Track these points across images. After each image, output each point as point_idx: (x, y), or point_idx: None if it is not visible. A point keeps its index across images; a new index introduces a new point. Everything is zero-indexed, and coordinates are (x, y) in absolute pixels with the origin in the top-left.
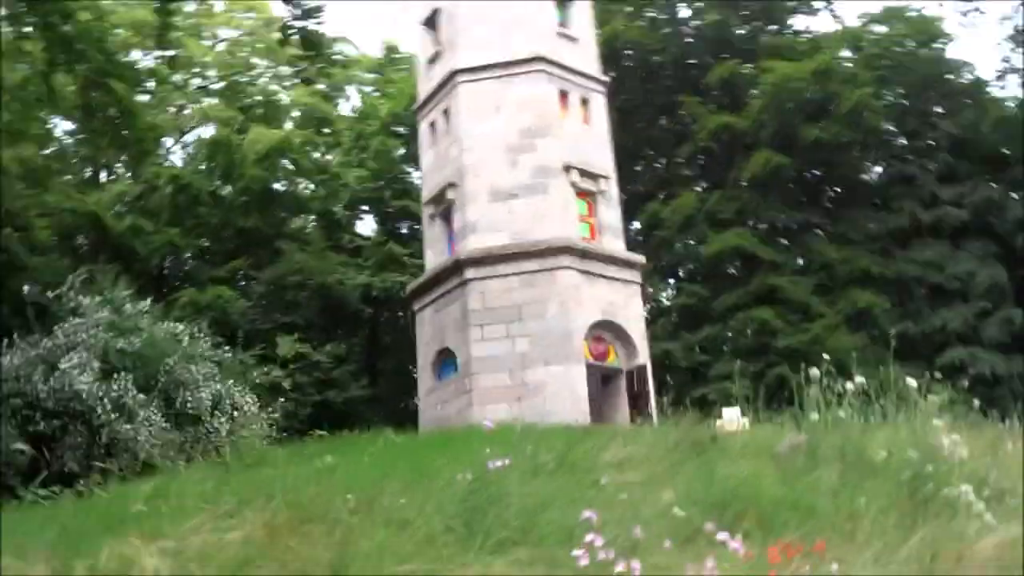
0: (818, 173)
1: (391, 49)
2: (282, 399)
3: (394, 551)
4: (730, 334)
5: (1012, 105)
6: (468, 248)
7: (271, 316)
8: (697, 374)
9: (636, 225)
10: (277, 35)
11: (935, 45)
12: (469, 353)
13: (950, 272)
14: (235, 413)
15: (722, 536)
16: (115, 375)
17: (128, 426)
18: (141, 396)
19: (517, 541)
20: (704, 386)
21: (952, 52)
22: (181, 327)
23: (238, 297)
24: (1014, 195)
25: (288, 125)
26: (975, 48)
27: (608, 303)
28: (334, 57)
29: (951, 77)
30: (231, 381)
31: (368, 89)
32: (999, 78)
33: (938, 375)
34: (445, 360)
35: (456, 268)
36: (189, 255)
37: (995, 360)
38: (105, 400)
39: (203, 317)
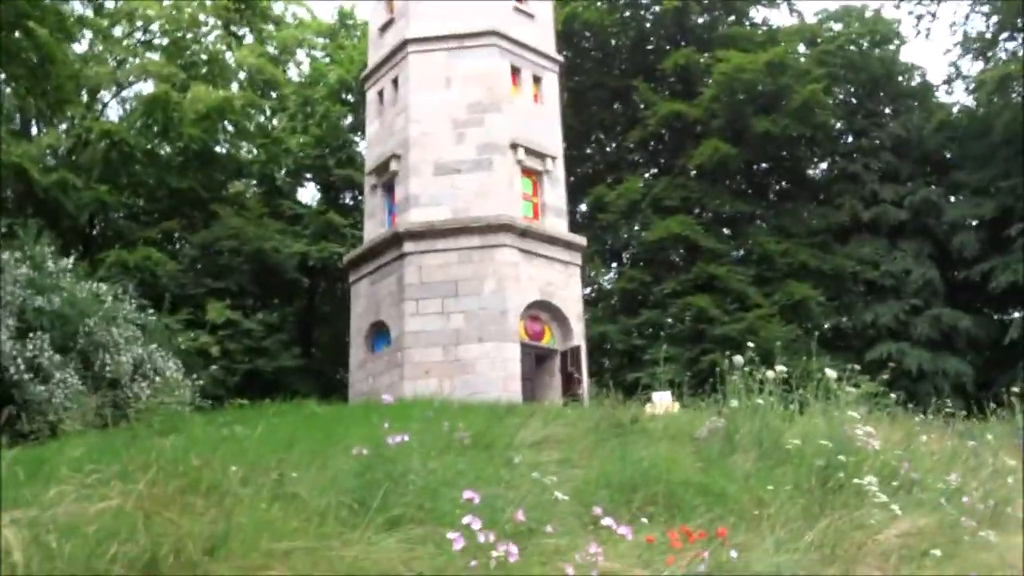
0: (765, 165)
1: (345, 15)
2: (213, 366)
3: (278, 526)
4: (668, 320)
5: (957, 111)
6: (408, 221)
7: (202, 281)
8: (633, 358)
9: (582, 207)
10: None
11: (888, 47)
12: (403, 327)
13: (885, 269)
14: (157, 379)
15: (607, 522)
16: (31, 334)
17: (42, 387)
18: (57, 357)
19: (413, 519)
20: (639, 370)
21: (904, 55)
22: (105, 287)
23: (168, 259)
24: (952, 198)
25: (234, 87)
26: (926, 52)
27: (546, 283)
28: (277, 16)
29: (901, 79)
30: (154, 345)
31: (319, 55)
32: (946, 83)
33: (859, 368)
34: (379, 333)
35: (395, 240)
36: (120, 214)
37: (923, 356)
38: (19, 359)
39: (130, 278)
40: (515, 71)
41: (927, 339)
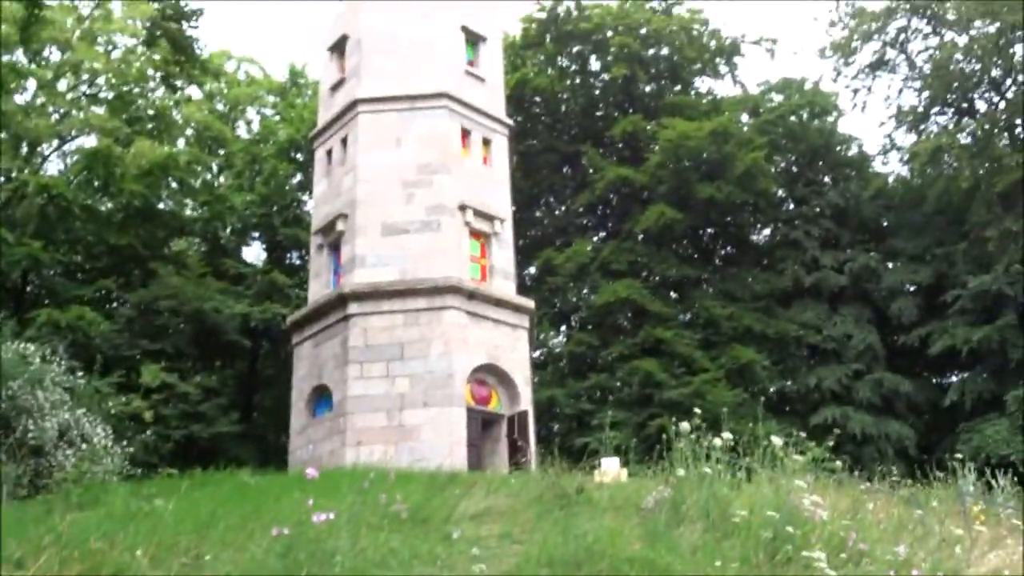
0: (710, 230)
1: (296, 74)
2: (146, 432)
3: None
4: (616, 384)
5: (892, 181)
6: (354, 282)
7: (138, 342)
8: (582, 422)
9: (531, 270)
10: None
11: (827, 118)
12: (346, 391)
13: (827, 334)
14: (83, 446)
15: None
16: None
17: None
18: None
19: None
20: (587, 435)
21: (842, 126)
22: (32, 348)
23: (103, 319)
24: (889, 264)
25: (181, 143)
26: (863, 124)
27: (494, 346)
28: (217, 67)
29: (839, 149)
30: (82, 410)
31: (269, 112)
32: (882, 154)
33: (804, 433)
34: (321, 397)
35: (340, 302)
36: (54, 271)
37: (865, 420)
38: None
39: (61, 338)
40: (465, 133)
41: (869, 403)
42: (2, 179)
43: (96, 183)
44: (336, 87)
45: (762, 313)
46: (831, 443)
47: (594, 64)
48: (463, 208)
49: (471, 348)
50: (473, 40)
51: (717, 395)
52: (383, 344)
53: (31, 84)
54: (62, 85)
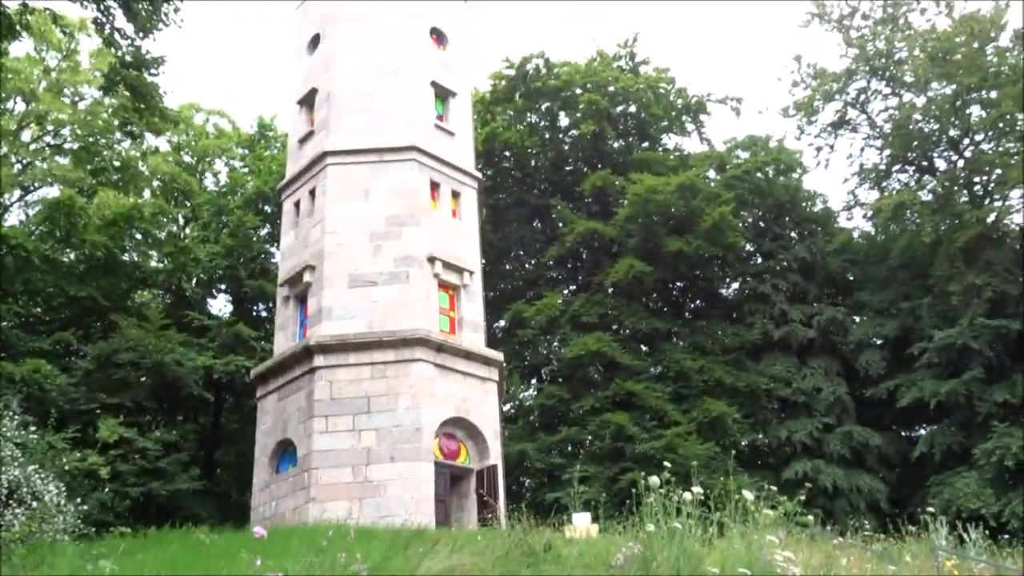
0: (680, 284)
1: (264, 127)
2: (104, 489)
3: None
4: (587, 437)
5: (857, 236)
6: (320, 334)
7: (95, 396)
8: (552, 476)
9: (502, 323)
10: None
11: (792, 175)
12: (311, 446)
13: (797, 387)
14: (34, 504)
15: None
16: None
17: None
18: None
19: None
20: (558, 489)
21: (807, 182)
22: None
23: (60, 372)
24: (856, 318)
25: (147, 194)
26: (827, 180)
27: (462, 399)
28: (175, 115)
29: (804, 205)
30: (33, 467)
31: (238, 164)
32: (846, 209)
33: (776, 487)
34: (285, 452)
35: (305, 354)
36: (11, 323)
37: (836, 473)
38: None
39: (16, 392)
40: (434, 186)
41: (840, 456)
42: None
43: (58, 234)
44: (305, 139)
45: (732, 366)
46: (803, 497)
47: (563, 120)
48: (432, 260)
49: (439, 401)
50: (443, 95)
51: (689, 448)
52: (350, 397)
53: None
54: (26, 136)
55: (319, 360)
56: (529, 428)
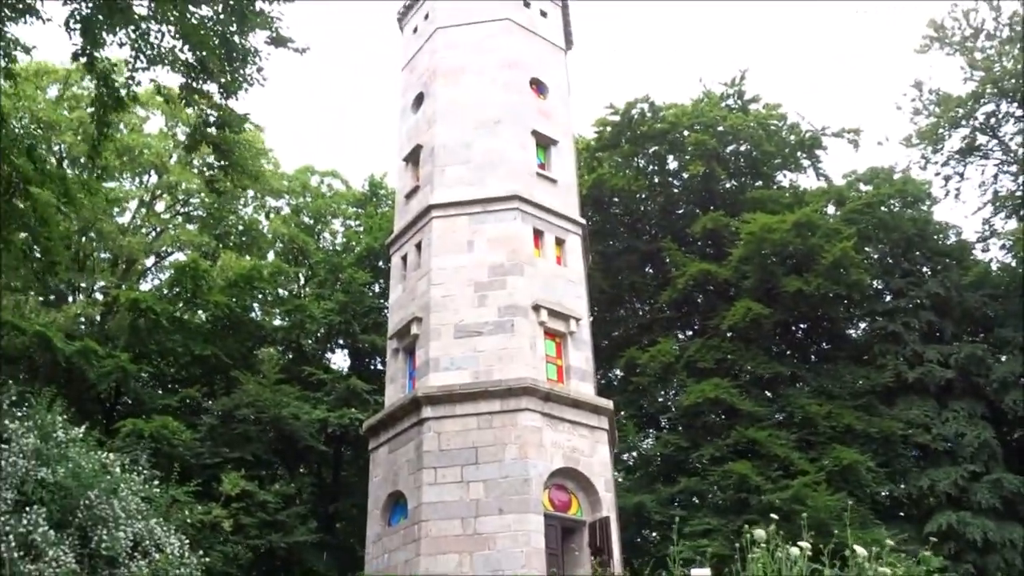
0: (802, 325)
1: (375, 185)
2: (227, 542)
3: None
4: (709, 488)
5: (996, 268)
6: (428, 385)
7: (219, 450)
8: (672, 529)
9: (616, 371)
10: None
11: (920, 206)
12: (420, 498)
13: (937, 432)
14: (157, 556)
15: None
16: (27, 508)
17: (32, 567)
18: (52, 533)
19: None
20: (679, 542)
21: (937, 214)
22: (112, 457)
23: (185, 428)
24: (1000, 356)
25: (270, 255)
26: (958, 211)
27: (572, 449)
28: (257, 171)
29: (936, 238)
30: (156, 520)
31: (351, 223)
32: (982, 240)
33: (918, 538)
34: (396, 504)
35: (414, 406)
36: (142, 382)
37: (987, 526)
38: (11, 536)
39: (144, 448)
40: (537, 234)
41: (989, 507)
42: (99, 295)
43: (185, 295)
44: (410, 195)
45: (863, 411)
46: (948, 551)
47: (671, 163)
48: (537, 308)
49: (548, 452)
50: (544, 144)
51: (818, 499)
52: (457, 448)
53: (132, 204)
54: (160, 206)
55: (427, 412)
56: (647, 479)
